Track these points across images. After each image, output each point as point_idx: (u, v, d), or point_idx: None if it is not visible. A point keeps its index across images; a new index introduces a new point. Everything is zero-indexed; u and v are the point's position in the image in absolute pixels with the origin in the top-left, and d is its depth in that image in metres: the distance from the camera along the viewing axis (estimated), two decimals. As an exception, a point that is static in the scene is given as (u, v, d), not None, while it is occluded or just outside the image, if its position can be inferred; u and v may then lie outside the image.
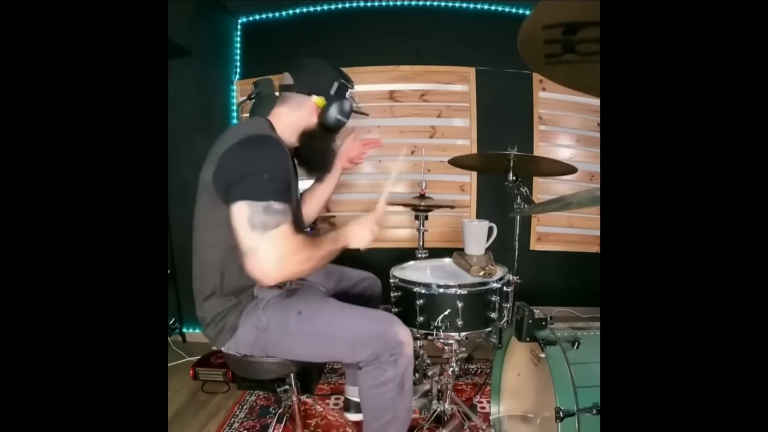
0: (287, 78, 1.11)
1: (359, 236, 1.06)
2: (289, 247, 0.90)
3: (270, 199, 0.89)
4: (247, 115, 1.75)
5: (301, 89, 1.09)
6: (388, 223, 2.49)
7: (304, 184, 1.36)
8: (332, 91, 1.09)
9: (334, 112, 1.09)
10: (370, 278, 1.36)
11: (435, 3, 2.40)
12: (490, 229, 1.31)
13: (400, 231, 2.49)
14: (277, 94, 1.71)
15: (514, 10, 2.39)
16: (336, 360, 1.18)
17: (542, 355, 0.95)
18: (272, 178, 0.91)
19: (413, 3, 2.41)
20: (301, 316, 1.00)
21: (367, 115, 1.29)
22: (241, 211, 0.88)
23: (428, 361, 1.62)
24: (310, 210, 1.35)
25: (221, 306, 1.02)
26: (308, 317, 1.00)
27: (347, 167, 1.35)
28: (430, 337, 1.17)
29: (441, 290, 1.13)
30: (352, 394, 1.42)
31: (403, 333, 0.98)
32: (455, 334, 1.15)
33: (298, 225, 1.15)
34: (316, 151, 1.14)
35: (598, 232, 2.28)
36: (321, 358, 1.05)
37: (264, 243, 0.87)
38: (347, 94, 1.12)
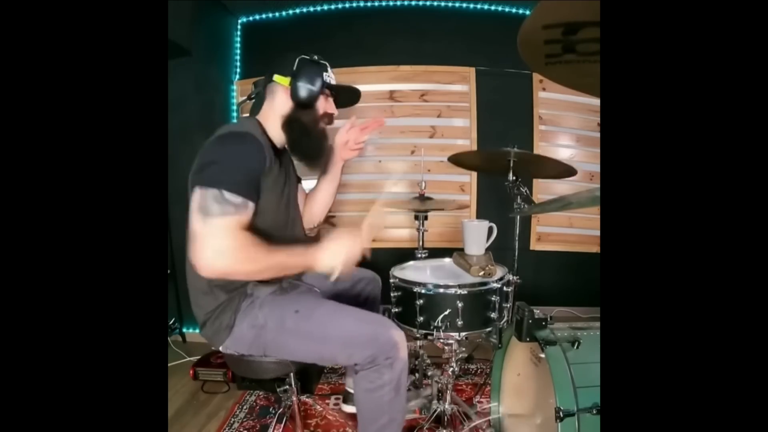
0: (261, 78, 1.12)
1: (328, 259, 0.94)
2: (231, 241, 0.86)
3: (222, 187, 0.87)
4: (247, 115, 1.75)
5: (268, 78, 1.09)
6: (388, 223, 2.49)
7: (309, 184, 1.34)
8: (294, 67, 1.05)
9: (301, 85, 1.04)
10: (367, 277, 1.35)
11: (435, 3, 2.41)
12: (490, 229, 1.31)
13: (400, 231, 2.49)
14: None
15: (514, 10, 2.39)
16: (332, 362, 1.17)
17: (542, 355, 0.95)
18: (230, 168, 0.90)
19: (413, 3, 2.41)
20: (298, 314, 0.99)
21: (354, 89, 1.20)
22: (194, 197, 0.88)
23: (428, 361, 1.62)
24: (315, 210, 1.32)
25: (213, 303, 1.01)
26: (305, 316, 0.99)
27: (348, 157, 1.26)
28: (430, 337, 1.17)
29: (441, 290, 1.13)
30: (353, 385, 1.41)
31: (398, 336, 0.96)
32: (455, 334, 1.15)
33: (292, 228, 1.13)
34: (301, 135, 1.08)
35: (598, 232, 2.28)
36: (318, 358, 1.03)
37: (205, 230, 0.85)
38: (315, 69, 1.07)
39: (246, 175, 0.93)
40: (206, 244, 0.85)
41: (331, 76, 1.10)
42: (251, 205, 0.92)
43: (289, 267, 0.96)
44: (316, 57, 1.10)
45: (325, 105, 1.11)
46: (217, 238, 0.85)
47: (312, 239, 1.28)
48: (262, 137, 1.03)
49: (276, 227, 1.05)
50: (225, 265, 0.86)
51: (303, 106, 1.07)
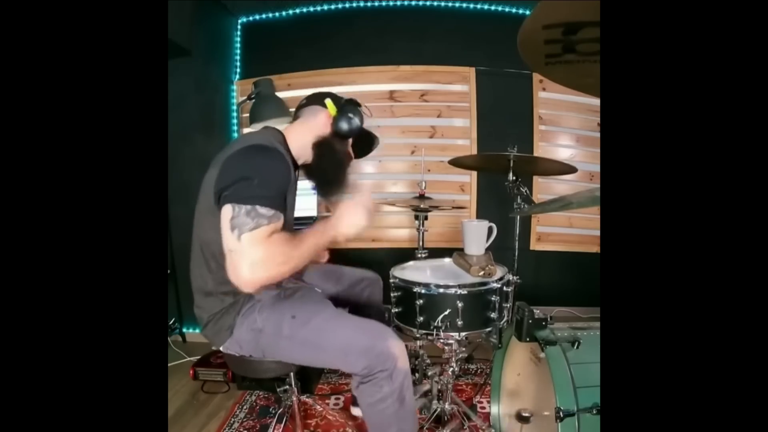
0: (303, 100, 1.18)
1: (350, 221, 1.00)
2: (265, 250, 0.87)
3: (255, 203, 0.88)
4: (247, 115, 1.75)
5: (315, 101, 1.15)
6: (388, 223, 2.49)
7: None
8: (342, 101, 1.13)
9: (346, 118, 1.10)
10: (369, 278, 1.34)
11: (435, 3, 2.41)
12: (490, 229, 1.31)
13: (400, 231, 2.49)
14: (277, 94, 1.71)
15: (514, 10, 2.39)
16: (332, 367, 1.17)
17: (542, 355, 0.95)
18: (262, 184, 0.91)
19: (413, 3, 2.41)
20: (295, 320, 0.99)
21: (374, 138, 1.30)
22: (226, 213, 0.89)
23: (428, 361, 1.62)
24: None
25: (218, 305, 1.02)
26: (301, 323, 0.99)
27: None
28: (430, 337, 1.16)
29: (441, 290, 1.13)
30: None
31: (396, 346, 0.95)
32: (455, 334, 1.15)
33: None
34: (330, 159, 1.13)
35: (598, 232, 2.28)
36: (315, 364, 1.03)
37: (240, 246, 0.86)
38: (359, 112, 1.13)
39: (277, 189, 0.94)
40: (243, 258, 0.85)
41: (367, 113, 1.17)
42: (282, 216, 0.93)
43: (319, 246, 0.98)
44: (356, 104, 1.16)
45: (349, 146, 1.18)
46: (252, 249, 0.85)
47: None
48: (287, 153, 1.05)
49: None
50: (265, 274, 0.86)
51: (341, 136, 1.12)
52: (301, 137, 1.12)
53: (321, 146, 1.12)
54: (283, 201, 0.96)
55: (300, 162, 1.14)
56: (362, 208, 1.02)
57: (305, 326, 0.99)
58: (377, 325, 1.01)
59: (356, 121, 1.11)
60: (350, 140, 1.17)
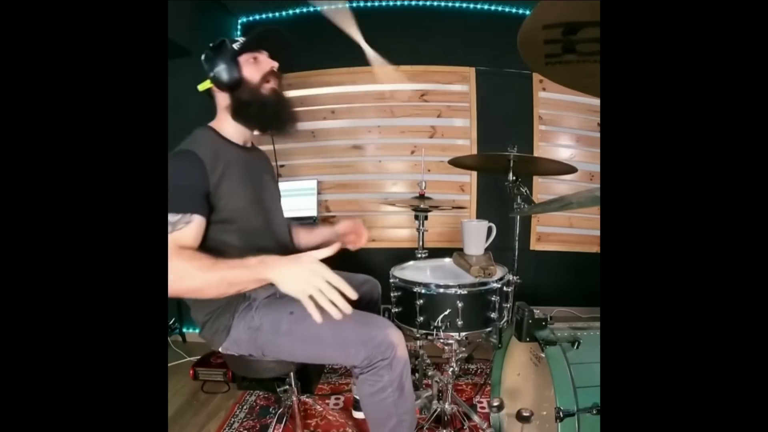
0: None
1: (294, 279, 0.83)
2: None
3: None
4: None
5: (200, 92, 1.10)
6: (388, 223, 2.49)
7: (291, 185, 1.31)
8: (206, 67, 1.05)
9: (216, 72, 1.03)
10: (370, 282, 1.35)
11: (435, 3, 2.41)
12: (490, 229, 1.31)
13: (400, 231, 2.49)
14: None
15: (514, 10, 2.39)
16: (331, 362, 1.16)
17: (542, 355, 0.95)
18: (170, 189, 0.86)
19: (413, 3, 2.41)
20: (293, 316, 0.99)
21: (268, 31, 1.08)
22: None
23: (428, 361, 1.62)
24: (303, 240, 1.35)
25: (212, 305, 1.02)
26: (299, 318, 0.98)
27: (343, 247, 1.16)
28: (430, 337, 1.16)
29: (441, 290, 1.13)
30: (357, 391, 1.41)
31: (395, 335, 0.96)
32: (455, 334, 1.15)
33: (271, 232, 1.12)
34: (254, 110, 1.06)
35: (598, 232, 2.28)
36: (315, 358, 1.03)
37: None
38: (216, 50, 1.04)
39: (182, 193, 0.92)
40: None
41: (237, 41, 1.06)
42: (196, 217, 0.92)
43: (234, 282, 0.87)
44: (211, 44, 1.07)
45: (256, 68, 1.07)
46: None
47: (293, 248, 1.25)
48: (216, 144, 1.02)
49: (253, 232, 1.06)
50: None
51: (234, 86, 1.05)
52: (225, 122, 1.08)
53: (238, 110, 1.06)
54: (198, 201, 0.94)
55: (245, 141, 1.12)
56: (313, 279, 0.83)
57: (303, 321, 0.98)
58: (374, 316, 1.02)
59: (225, 63, 1.02)
60: (256, 64, 1.06)
